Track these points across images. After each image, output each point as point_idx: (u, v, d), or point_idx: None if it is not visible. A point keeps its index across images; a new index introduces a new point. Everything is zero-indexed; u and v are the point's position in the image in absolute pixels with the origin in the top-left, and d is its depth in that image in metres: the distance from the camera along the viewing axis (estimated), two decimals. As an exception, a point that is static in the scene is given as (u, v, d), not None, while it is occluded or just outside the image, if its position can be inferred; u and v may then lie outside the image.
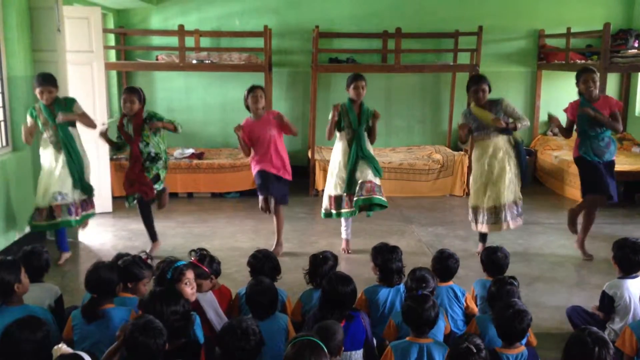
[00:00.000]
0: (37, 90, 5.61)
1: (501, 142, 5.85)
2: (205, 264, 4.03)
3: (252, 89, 5.94)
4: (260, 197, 6.09)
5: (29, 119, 5.71)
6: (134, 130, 5.79)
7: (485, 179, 5.88)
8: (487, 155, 5.86)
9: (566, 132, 6.13)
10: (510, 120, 5.81)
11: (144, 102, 5.90)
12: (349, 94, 5.99)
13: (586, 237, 6.19)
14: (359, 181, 5.91)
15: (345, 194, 5.98)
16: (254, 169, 6.07)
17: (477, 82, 5.89)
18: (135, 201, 5.97)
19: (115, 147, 6.08)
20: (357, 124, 5.93)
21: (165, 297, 3.24)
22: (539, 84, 10.03)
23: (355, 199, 5.91)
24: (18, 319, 3.02)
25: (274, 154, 5.95)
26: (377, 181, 6.01)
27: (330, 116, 6.00)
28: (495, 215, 5.86)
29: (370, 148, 6.07)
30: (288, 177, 6.10)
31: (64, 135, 5.68)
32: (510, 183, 5.87)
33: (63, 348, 2.91)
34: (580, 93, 5.90)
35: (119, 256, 4.06)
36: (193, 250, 4.20)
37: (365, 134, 6.02)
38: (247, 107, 6.00)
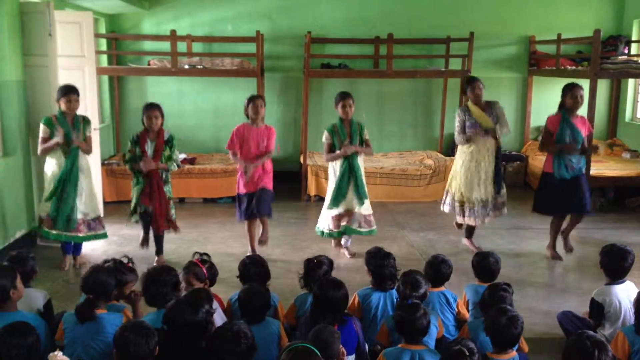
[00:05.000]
0: (63, 100, 5.58)
1: (491, 141, 6.16)
2: (207, 267, 4.08)
3: (253, 99, 6.00)
4: (246, 226, 6.21)
5: (44, 131, 5.63)
6: (156, 148, 5.72)
7: (475, 173, 6.14)
8: (479, 151, 6.13)
9: (547, 146, 6.13)
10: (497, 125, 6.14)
11: (163, 116, 5.85)
12: (338, 112, 6.10)
13: (556, 241, 6.36)
14: (355, 210, 6.10)
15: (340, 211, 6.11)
16: (238, 187, 6.09)
17: (473, 80, 6.17)
18: (138, 217, 5.92)
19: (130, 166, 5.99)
20: (348, 143, 6.04)
21: (188, 305, 3.24)
22: (530, 90, 10.08)
23: (349, 226, 6.16)
24: (8, 325, 3.03)
25: (263, 164, 5.99)
26: (366, 210, 6.18)
27: (324, 140, 6.16)
28: (484, 207, 6.19)
29: (362, 164, 6.17)
30: (271, 188, 6.10)
31: (74, 152, 5.65)
32: (491, 180, 6.18)
33: (59, 356, 2.90)
34: (563, 107, 6.01)
35: (107, 261, 4.06)
36: (198, 252, 4.26)
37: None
38: (247, 115, 6.02)
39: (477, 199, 6.18)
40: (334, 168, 6.15)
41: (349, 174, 6.04)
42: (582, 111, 6.27)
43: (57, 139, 5.58)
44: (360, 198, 6.08)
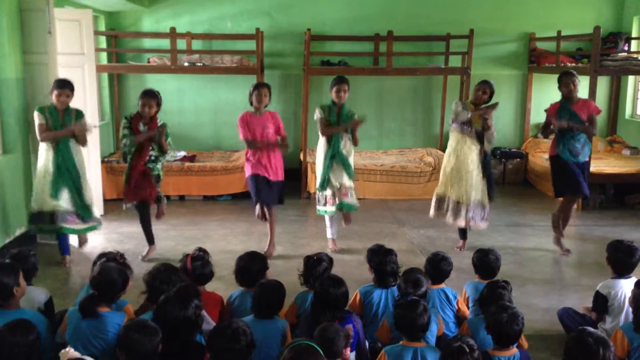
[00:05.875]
0: (55, 93, 5.63)
1: (476, 148, 6.13)
2: (196, 264, 4.05)
3: (258, 87, 6.06)
4: (257, 206, 6.08)
5: (39, 117, 5.65)
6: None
7: (457, 170, 6.13)
8: (465, 149, 6.10)
9: (544, 130, 6.33)
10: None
11: (159, 105, 5.87)
12: (332, 96, 6.15)
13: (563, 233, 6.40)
14: (336, 186, 6.10)
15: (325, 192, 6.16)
16: (247, 171, 6.06)
17: (484, 82, 6.14)
18: (134, 205, 5.93)
19: (124, 156, 6.00)
20: (336, 125, 6.10)
21: (175, 301, 3.25)
22: (529, 87, 10.08)
23: (345, 201, 6.17)
24: (9, 323, 3.04)
25: (268, 152, 5.99)
26: (350, 183, 6.19)
27: (315, 117, 6.18)
28: (458, 209, 6.13)
29: (348, 151, 6.19)
30: (281, 177, 6.12)
31: (64, 145, 5.67)
32: (478, 182, 6.11)
33: (70, 352, 2.90)
34: (562, 96, 6.13)
35: (101, 256, 4.07)
36: (199, 247, 4.26)
37: (347, 136, 6.19)
38: (251, 102, 6.05)
39: (455, 199, 6.13)
40: (320, 151, 6.19)
41: (332, 159, 6.08)
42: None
43: (61, 131, 5.62)
44: (349, 174, 6.14)
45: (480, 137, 6.10)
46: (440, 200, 6.28)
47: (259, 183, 5.96)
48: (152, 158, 5.87)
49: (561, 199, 6.45)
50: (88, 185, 5.93)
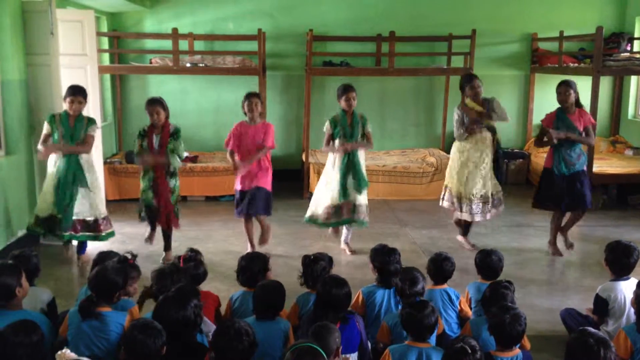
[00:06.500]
0: (68, 100, 5.63)
1: (488, 136, 6.19)
2: (188, 265, 4.05)
3: (249, 96, 5.99)
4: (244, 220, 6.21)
5: (46, 127, 5.68)
6: (161, 142, 5.74)
7: (473, 167, 6.16)
8: (476, 145, 6.15)
9: (539, 141, 6.32)
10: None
11: (167, 110, 5.85)
12: (341, 105, 6.13)
13: (557, 237, 6.39)
14: (341, 201, 6.12)
15: (340, 203, 6.13)
16: (236, 183, 6.11)
17: (471, 78, 6.21)
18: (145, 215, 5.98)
19: (130, 160, 6.04)
20: (349, 134, 6.08)
21: (173, 302, 3.25)
22: (532, 87, 10.07)
23: (349, 218, 6.20)
24: (13, 323, 3.03)
25: (258, 161, 5.97)
26: (362, 200, 6.19)
27: (325, 130, 6.19)
28: (484, 204, 6.21)
29: (362, 156, 6.22)
30: (267, 186, 6.08)
31: (64, 157, 5.66)
32: (491, 174, 6.24)
33: (67, 353, 2.90)
34: (559, 105, 6.15)
35: (101, 254, 4.06)
36: (191, 248, 4.26)
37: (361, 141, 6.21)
38: (244, 113, 6.02)
39: (476, 194, 6.18)
40: (334, 160, 6.18)
41: (348, 167, 6.08)
42: (585, 108, 6.28)
43: (57, 147, 5.63)
44: (360, 188, 6.12)
45: (491, 130, 6.13)
46: (460, 200, 6.26)
47: (242, 199, 6.03)
48: (171, 170, 5.87)
49: (553, 218, 6.36)
50: (91, 196, 5.84)
